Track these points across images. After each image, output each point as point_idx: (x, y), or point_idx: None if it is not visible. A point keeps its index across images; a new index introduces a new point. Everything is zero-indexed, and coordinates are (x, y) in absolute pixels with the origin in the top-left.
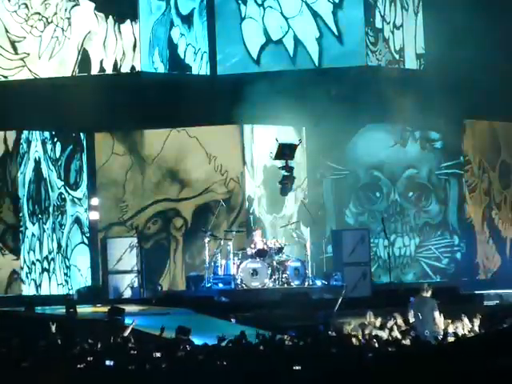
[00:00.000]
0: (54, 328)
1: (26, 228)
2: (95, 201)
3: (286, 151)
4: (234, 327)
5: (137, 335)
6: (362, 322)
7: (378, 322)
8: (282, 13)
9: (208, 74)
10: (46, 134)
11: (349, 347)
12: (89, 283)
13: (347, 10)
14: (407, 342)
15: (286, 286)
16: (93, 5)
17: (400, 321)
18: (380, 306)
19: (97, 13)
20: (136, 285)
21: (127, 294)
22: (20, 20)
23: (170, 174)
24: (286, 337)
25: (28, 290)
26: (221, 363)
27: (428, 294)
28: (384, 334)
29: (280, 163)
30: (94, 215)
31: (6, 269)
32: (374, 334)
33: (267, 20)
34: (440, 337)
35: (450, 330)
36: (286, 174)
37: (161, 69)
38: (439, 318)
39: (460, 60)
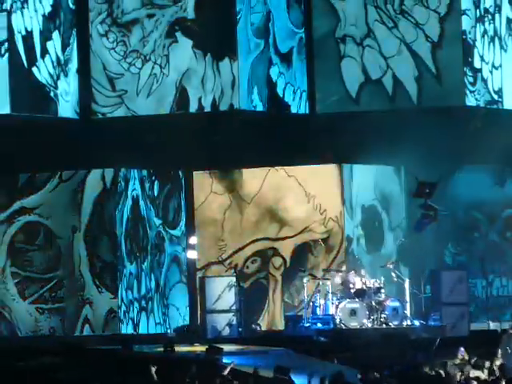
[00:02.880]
0: (153, 370)
1: (124, 266)
2: (193, 240)
3: (426, 189)
4: (332, 367)
5: (236, 375)
6: (458, 361)
7: (472, 361)
8: (380, 52)
9: (307, 112)
10: (144, 172)
11: None
12: (187, 322)
13: (446, 49)
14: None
15: (384, 326)
16: (191, 42)
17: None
18: (478, 346)
19: (195, 50)
20: (234, 324)
21: (225, 333)
22: (118, 57)
23: (269, 213)
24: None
25: (126, 328)
26: None
27: None
28: (482, 374)
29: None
30: (193, 254)
31: (104, 307)
32: (472, 374)
33: (366, 59)
34: None
35: None
36: (425, 212)
37: (259, 107)
38: None
39: None
